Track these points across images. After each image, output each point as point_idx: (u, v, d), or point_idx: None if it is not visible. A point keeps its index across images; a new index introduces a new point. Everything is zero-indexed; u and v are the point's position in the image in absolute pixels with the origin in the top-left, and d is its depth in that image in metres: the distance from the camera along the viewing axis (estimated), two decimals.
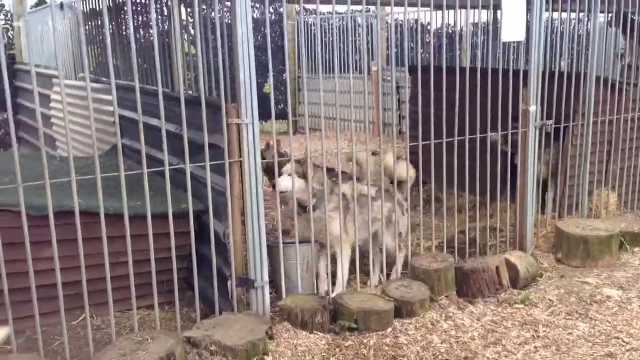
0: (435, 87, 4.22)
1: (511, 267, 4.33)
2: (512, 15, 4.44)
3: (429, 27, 10.47)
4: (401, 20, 10.51)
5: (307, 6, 11.84)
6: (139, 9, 5.91)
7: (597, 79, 5.32)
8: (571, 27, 6.44)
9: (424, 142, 4.25)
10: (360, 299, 3.80)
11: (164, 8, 5.57)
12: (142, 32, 6.05)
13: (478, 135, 4.48)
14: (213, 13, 3.87)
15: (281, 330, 3.49)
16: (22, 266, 3.04)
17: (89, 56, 6.73)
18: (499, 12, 5.88)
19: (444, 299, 4.04)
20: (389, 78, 10.35)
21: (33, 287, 2.94)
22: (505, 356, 3.43)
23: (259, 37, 11.50)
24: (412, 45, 10.34)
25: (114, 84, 3.22)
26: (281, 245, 3.82)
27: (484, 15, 7.97)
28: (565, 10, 5.09)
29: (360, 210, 4.07)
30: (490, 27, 7.49)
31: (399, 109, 9.96)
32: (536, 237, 4.99)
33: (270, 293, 3.76)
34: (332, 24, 11.02)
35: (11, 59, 9.52)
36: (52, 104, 7.56)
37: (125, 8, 3.69)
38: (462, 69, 4.40)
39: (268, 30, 3.79)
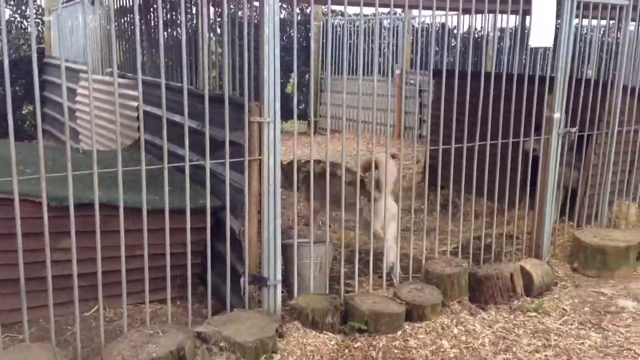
0: (458, 92, 4.21)
1: (526, 274, 4.31)
2: (542, 20, 4.41)
3: (455, 31, 10.44)
4: (428, 24, 10.48)
5: (334, 8, 11.87)
6: (168, 7, 6.01)
7: (624, 88, 5.26)
8: (600, 34, 6.36)
9: (444, 147, 4.25)
10: (372, 300, 3.82)
11: (192, 7, 5.67)
12: (169, 30, 6.16)
13: (500, 141, 4.46)
14: (240, 13, 3.93)
15: (291, 329, 3.53)
16: (38, 256, 3.13)
17: (117, 52, 6.88)
18: (527, 17, 5.83)
19: (456, 304, 4.03)
20: (412, 81, 10.33)
21: (49, 276, 3.01)
22: None
23: (284, 38, 11.58)
24: (437, 49, 10.30)
25: (141, 80, 3.29)
26: (296, 245, 3.87)
27: (511, 21, 7.93)
28: (595, 18, 5.03)
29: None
30: (518, 33, 7.44)
31: (421, 112, 9.94)
32: (553, 245, 4.95)
33: (282, 292, 3.80)
34: (358, 26, 11.03)
35: (40, 53, 9.74)
36: (77, 98, 7.72)
37: (155, 6, 3.78)
38: (487, 75, 4.39)
39: (295, 31, 3.83)
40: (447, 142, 4.28)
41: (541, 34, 4.45)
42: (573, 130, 4.83)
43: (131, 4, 6.29)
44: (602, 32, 6.19)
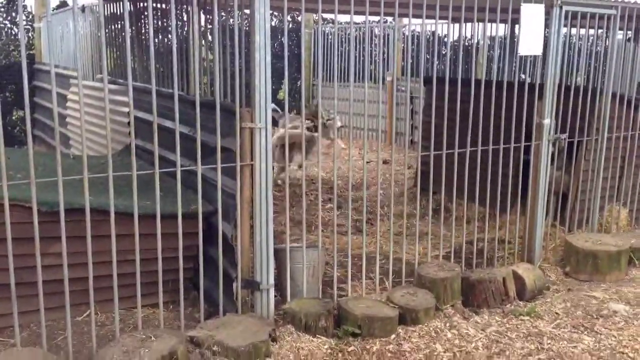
0: (449, 99, 4.24)
1: (518, 279, 4.32)
2: (531, 29, 4.46)
3: (445, 40, 10.52)
4: (418, 32, 10.55)
5: (325, 15, 11.94)
6: (159, 14, 6.02)
7: (614, 94, 5.31)
8: (589, 43, 6.44)
9: (435, 152, 4.27)
10: (365, 304, 3.81)
11: (184, 14, 5.68)
12: (160, 37, 6.17)
13: (490, 147, 4.49)
14: (232, 20, 3.94)
15: (284, 333, 3.51)
16: (29, 260, 3.10)
17: (107, 58, 6.87)
18: (516, 26, 5.88)
19: (449, 308, 4.03)
20: (403, 88, 10.38)
21: (40, 281, 2.99)
22: None
23: (275, 45, 11.61)
24: (427, 56, 10.37)
25: (131, 86, 3.29)
26: (288, 249, 3.86)
27: (501, 29, 8.00)
28: (584, 27, 5.09)
29: None
30: (507, 41, 7.51)
31: (412, 119, 9.98)
32: (545, 250, 4.98)
33: (275, 296, 3.79)
34: (349, 34, 11.09)
35: (30, 60, 9.71)
36: (68, 104, 7.70)
37: (146, 13, 3.78)
38: (477, 82, 4.42)
39: (286, 39, 3.85)
40: (438, 148, 4.31)
41: (530, 43, 4.50)
42: (563, 136, 4.86)
43: (122, 10, 6.30)
44: (590, 40, 6.26)
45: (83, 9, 7.42)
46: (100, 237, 3.34)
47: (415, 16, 4.37)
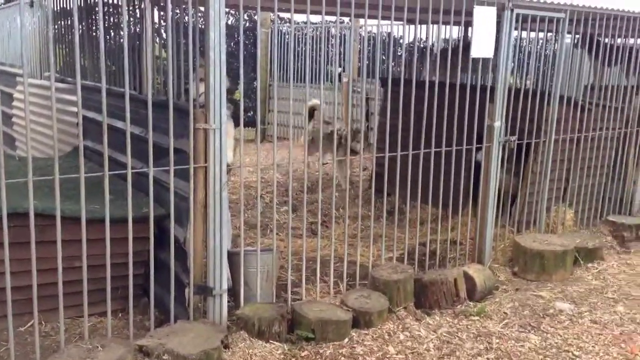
0: (404, 100, 4.27)
1: (469, 279, 4.41)
2: (483, 32, 4.54)
3: (401, 41, 10.62)
4: (374, 33, 10.63)
5: (282, 15, 11.89)
6: (110, 10, 5.86)
7: (561, 97, 5.47)
8: (538, 46, 6.61)
9: (390, 154, 4.31)
10: (319, 308, 3.81)
11: (137, 10, 5.55)
12: (112, 34, 6.01)
13: (444, 148, 4.56)
14: (186, 17, 3.87)
15: (237, 340, 3.48)
16: None
17: (56, 55, 6.65)
18: (469, 29, 6.00)
19: (402, 310, 4.08)
20: (359, 89, 10.44)
21: None
22: None
23: (231, 44, 11.49)
24: (383, 58, 10.46)
25: (80, 85, 3.19)
26: (242, 253, 3.82)
27: (455, 32, 8.14)
28: (534, 30, 5.22)
29: None
30: (461, 44, 7.64)
31: (368, 120, 10.05)
32: (495, 250, 5.09)
33: (229, 302, 3.74)
34: (305, 34, 11.07)
35: None
36: (14, 103, 7.42)
37: (97, 9, 3.67)
38: (431, 83, 4.48)
39: (242, 37, 3.80)
40: (393, 149, 4.34)
41: (482, 45, 4.59)
42: (513, 138, 4.98)
43: (71, 6, 6.10)
44: (540, 44, 6.44)
45: (31, 3, 7.17)
46: (46, 242, 3.23)
47: (371, 17, 4.39)
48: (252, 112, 12.11)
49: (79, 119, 3.35)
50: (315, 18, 10.40)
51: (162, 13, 5.26)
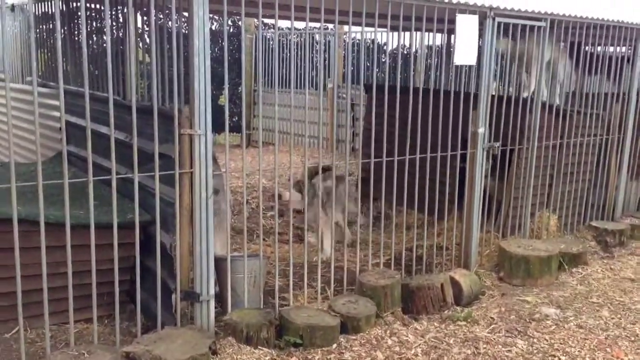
0: (388, 106, 4.29)
1: (455, 284, 4.43)
2: (465, 40, 4.58)
3: (385, 48, 10.68)
4: (358, 40, 10.67)
5: (266, 21, 11.89)
6: (93, 14, 5.81)
7: (543, 104, 5.53)
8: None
9: (376, 160, 4.32)
10: (306, 314, 3.80)
11: (119, 15, 5.50)
12: (95, 38, 5.95)
13: (429, 154, 4.58)
14: (170, 23, 3.84)
15: (225, 346, 3.45)
16: None
17: (38, 60, 6.57)
18: (452, 36, 6.05)
19: (390, 315, 4.08)
20: (344, 95, 10.47)
21: None
22: None
23: (216, 50, 11.46)
24: (368, 64, 10.51)
25: (62, 89, 3.15)
26: (229, 259, 3.79)
27: (438, 39, 8.20)
28: (515, 39, 5.27)
29: None
30: (444, 51, 7.71)
31: (353, 126, 10.07)
32: (480, 255, 5.12)
33: (216, 307, 3.71)
34: (290, 40, 11.09)
35: None
36: None
37: (79, 13, 3.63)
38: (415, 90, 4.51)
39: (226, 43, 3.79)
40: (379, 155, 4.35)
41: (465, 53, 4.63)
42: (497, 144, 5.02)
43: (53, 10, 6.04)
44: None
45: (13, 8, 7.08)
46: (30, 249, 3.18)
47: (355, 24, 4.41)
48: (237, 118, 12.08)
49: (62, 124, 3.30)
50: (300, 24, 10.43)
51: (145, 18, 5.23)
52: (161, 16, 4.78)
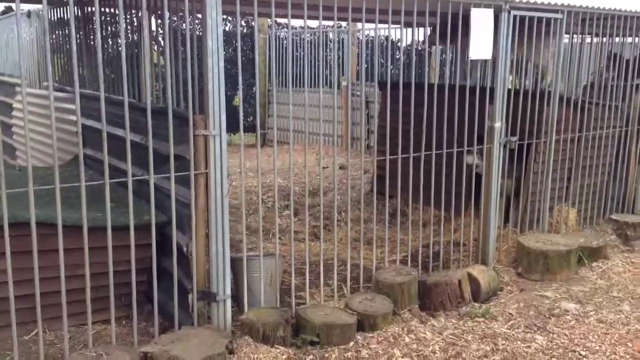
0: (403, 103, 4.27)
1: (473, 281, 4.39)
2: (480, 34, 4.54)
3: (399, 44, 10.63)
4: (372, 37, 10.64)
5: (279, 20, 11.89)
6: (108, 18, 5.87)
7: (561, 97, 5.46)
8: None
9: (391, 157, 4.30)
10: (323, 312, 3.80)
11: (134, 19, 5.55)
12: (110, 42, 6.01)
13: (444, 150, 4.55)
14: (184, 25, 3.87)
15: (242, 345, 3.46)
16: None
17: (54, 65, 6.65)
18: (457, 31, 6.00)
19: (407, 312, 4.06)
20: (358, 93, 10.44)
21: None
22: None
23: (229, 50, 11.50)
24: (382, 61, 10.47)
25: (78, 93, 3.18)
26: (245, 258, 3.81)
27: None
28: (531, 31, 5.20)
29: None
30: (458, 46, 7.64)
31: (368, 123, 10.05)
32: (498, 251, 5.08)
33: (232, 307, 3.73)
34: (303, 39, 11.09)
35: None
36: (14, 113, 7.42)
37: (94, 18, 3.68)
38: (431, 86, 4.48)
39: (239, 44, 3.80)
40: (394, 152, 4.33)
41: (480, 47, 4.58)
42: (513, 139, 4.97)
43: (68, 16, 6.11)
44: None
45: (29, 14, 7.18)
46: (48, 251, 3.22)
47: (368, 21, 4.39)
48: (251, 117, 12.12)
49: (78, 128, 3.34)
50: (313, 23, 10.42)
51: (159, 21, 5.27)
52: (175, 19, 4.82)
